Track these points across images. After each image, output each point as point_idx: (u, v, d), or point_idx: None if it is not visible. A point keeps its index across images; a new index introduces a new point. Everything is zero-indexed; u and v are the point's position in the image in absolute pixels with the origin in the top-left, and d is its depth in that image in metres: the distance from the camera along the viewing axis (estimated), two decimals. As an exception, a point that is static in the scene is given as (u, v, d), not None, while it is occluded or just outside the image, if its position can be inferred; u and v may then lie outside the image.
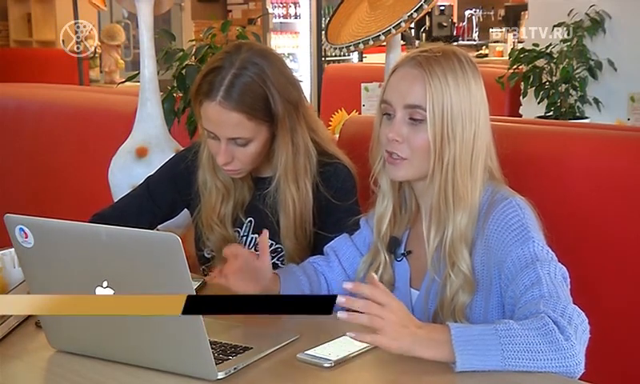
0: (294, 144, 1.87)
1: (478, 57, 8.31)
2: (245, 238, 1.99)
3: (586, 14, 4.17)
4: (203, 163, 1.96)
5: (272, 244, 1.96)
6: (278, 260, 1.96)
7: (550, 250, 1.48)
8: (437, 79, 1.52)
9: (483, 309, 1.54)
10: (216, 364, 1.30)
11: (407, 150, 1.55)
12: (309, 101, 8.09)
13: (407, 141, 1.55)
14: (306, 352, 1.39)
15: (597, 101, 4.09)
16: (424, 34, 10.10)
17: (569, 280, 1.47)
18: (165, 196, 2.05)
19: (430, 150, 1.53)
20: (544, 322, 1.31)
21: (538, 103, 4.13)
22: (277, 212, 1.92)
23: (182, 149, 2.19)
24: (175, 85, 2.70)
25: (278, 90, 1.82)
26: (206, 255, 2.00)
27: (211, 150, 1.89)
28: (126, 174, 2.57)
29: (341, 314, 1.31)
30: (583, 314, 1.36)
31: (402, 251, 1.68)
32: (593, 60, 4.13)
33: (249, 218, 1.98)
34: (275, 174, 1.90)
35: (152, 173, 2.12)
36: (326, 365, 1.36)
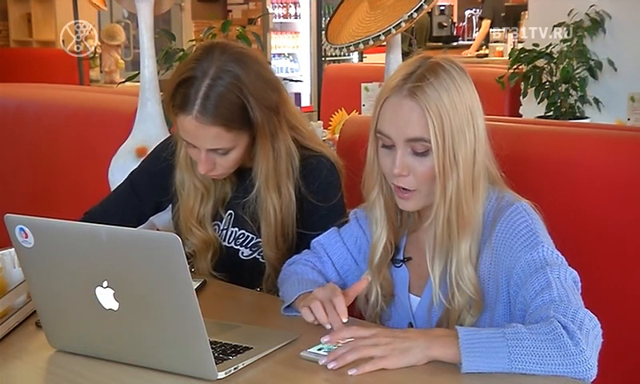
0: (274, 149, 1.82)
1: (478, 57, 8.32)
2: (225, 231, 1.95)
3: (586, 14, 4.16)
4: (180, 162, 1.90)
5: (252, 237, 1.92)
6: (258, 254, 1.92)
7: (559, 254, 1.47)
8: (433, 104, 1.47)
9: (489, 320, 1.53)
10: (216, 364, 1.30)
11: (413, 181, 1.53)
12: (309, 101, 8.14)
13: (413, 172, 1.52)
14: (309, 350, 1.39)
15: (597, 101, 4.09)
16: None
17: (580, 284, 1.45)
18: (148, 191, 2.01)
19: (435, 175, 1.50)
20: (553, 327, 1.30)
21: (538, 103, 4.13)
22: (257, 220, 1.88)
23: (158, 145, 2.09)
24: (175, 85, 2.69)
25: (255, 96, 1.74)
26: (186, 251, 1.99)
27: (192, 157, 1.83)
28: (126, 173, 2.55)
29: (330, 365, 1.32)
30: (595, 318, 1.34)
31: (401, 258, 1.66)
32: (593, 60, 4.13)
33: (229, 212, 1.94)
34: (256, 179, 1.85)
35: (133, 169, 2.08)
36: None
